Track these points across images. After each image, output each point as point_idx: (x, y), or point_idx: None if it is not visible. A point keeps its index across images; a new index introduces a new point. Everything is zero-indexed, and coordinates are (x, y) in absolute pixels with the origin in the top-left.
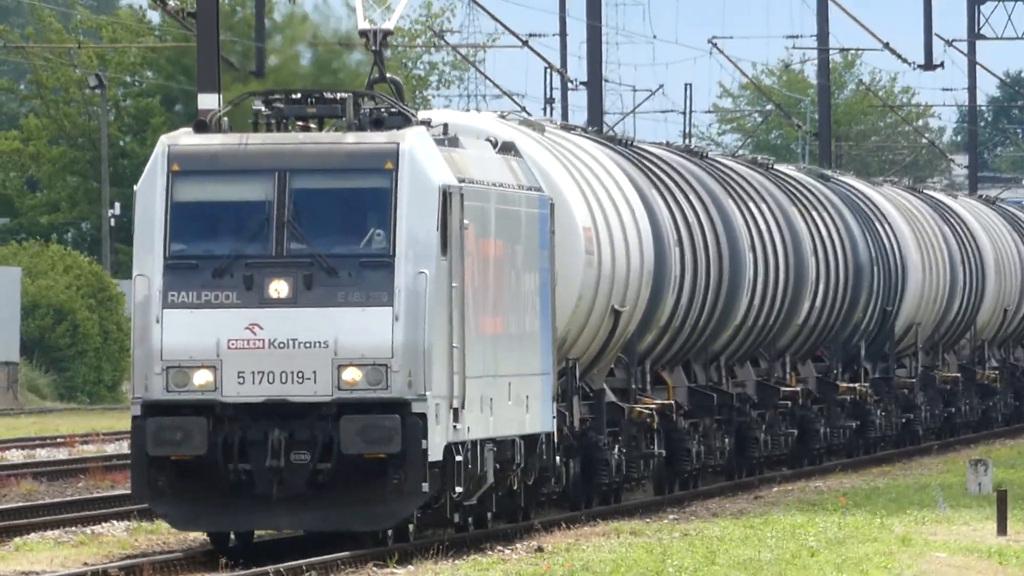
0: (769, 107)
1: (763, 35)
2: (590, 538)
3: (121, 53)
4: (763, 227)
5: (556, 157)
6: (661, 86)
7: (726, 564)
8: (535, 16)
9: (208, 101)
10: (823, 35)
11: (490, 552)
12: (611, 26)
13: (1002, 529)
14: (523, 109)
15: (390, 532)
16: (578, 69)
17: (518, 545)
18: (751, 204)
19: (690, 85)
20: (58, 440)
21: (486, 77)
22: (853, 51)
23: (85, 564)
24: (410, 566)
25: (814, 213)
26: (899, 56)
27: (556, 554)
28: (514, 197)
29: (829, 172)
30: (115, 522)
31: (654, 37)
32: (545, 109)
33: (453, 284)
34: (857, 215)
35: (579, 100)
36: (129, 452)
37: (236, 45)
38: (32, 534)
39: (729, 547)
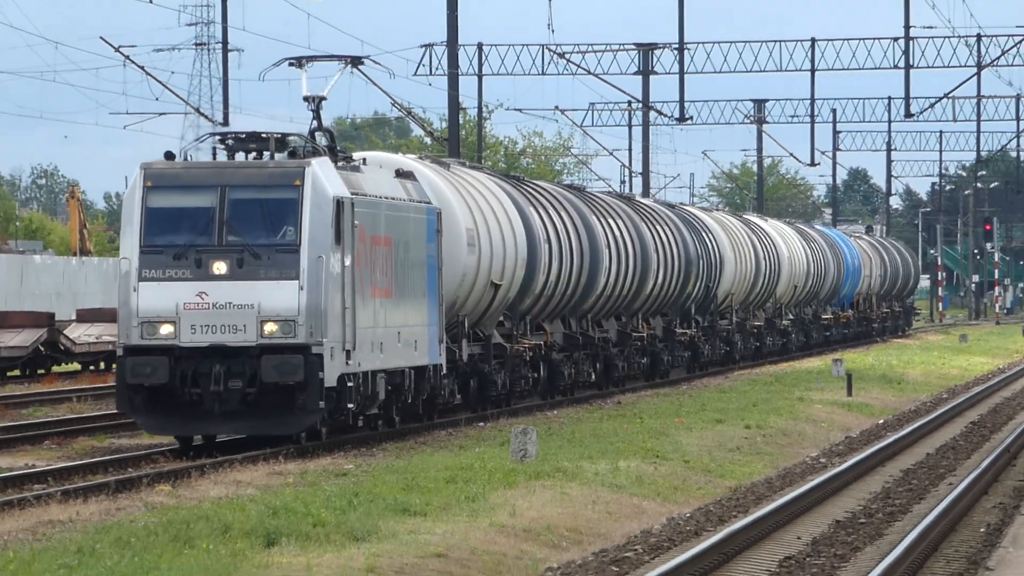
0: (733, 185)
1: (730, 148)
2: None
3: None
4: (618, 235)
5: (450, 182)
6: (679, 174)
7: (711, 409)
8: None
9: None
10: (760, 148)
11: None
12: (654, 143)
13: (849, 393)
14: (608, 183)
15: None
16: (637, 164)
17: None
18: (611, 220)
19: (693, 174)
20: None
21: (597, 175)
22: (775, 157)
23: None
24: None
25: (659, 227)
26: (798, 159)
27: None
28: (404, 206)
29: (675, 203)
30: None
31: (675, 150)
32: (620, 185)
33: (345, 265)
34: (689, 228)
35: (637, 180)
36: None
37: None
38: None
39: (708, 401)
